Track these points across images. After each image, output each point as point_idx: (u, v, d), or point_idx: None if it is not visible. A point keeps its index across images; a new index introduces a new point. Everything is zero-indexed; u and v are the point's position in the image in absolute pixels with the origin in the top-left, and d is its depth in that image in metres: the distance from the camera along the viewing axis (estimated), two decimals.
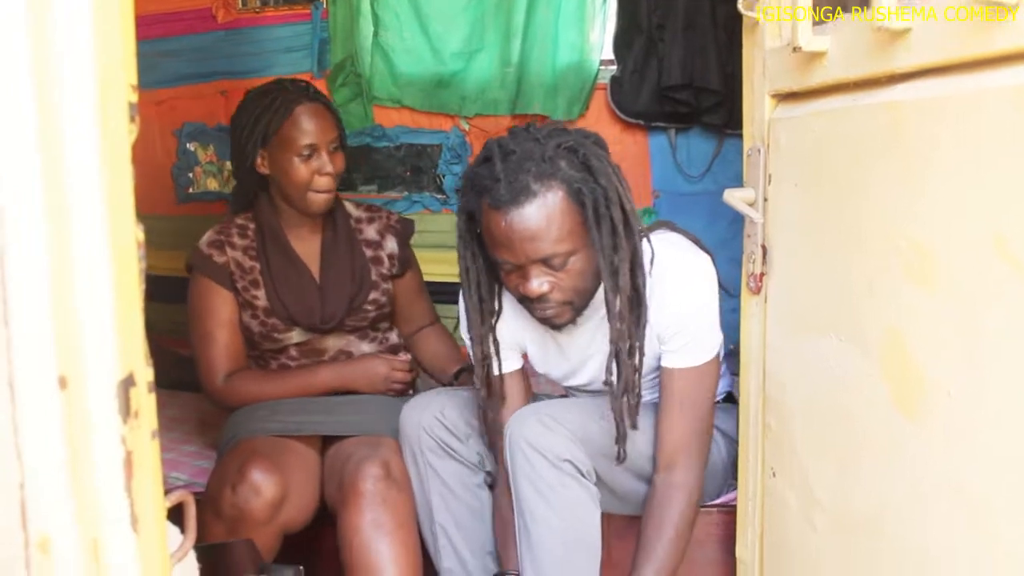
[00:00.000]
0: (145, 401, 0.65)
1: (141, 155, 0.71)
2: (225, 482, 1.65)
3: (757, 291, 1.55)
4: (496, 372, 1.72)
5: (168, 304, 2.89)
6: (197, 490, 1.90)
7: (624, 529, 1.84)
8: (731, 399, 1.89)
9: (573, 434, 1.57)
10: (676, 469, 1.64)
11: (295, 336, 1.99)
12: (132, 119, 0.68)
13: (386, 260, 2.07)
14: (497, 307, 1.69)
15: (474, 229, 1.57)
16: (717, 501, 1.86)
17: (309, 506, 1.78)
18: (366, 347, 2.05)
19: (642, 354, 1.59)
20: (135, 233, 0.66)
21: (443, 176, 2.94)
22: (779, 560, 1.57)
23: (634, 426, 1.61)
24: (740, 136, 1.59)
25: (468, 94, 2.92)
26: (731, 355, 1.84)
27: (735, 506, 1.72)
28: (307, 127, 1.89)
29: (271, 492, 1.64)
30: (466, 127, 2.95)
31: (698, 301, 1.61)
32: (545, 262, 1.50)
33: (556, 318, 1.59)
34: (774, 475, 1.54)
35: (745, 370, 1.62)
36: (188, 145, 3.04)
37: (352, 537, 1.63)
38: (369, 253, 2.05)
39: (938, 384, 1.17)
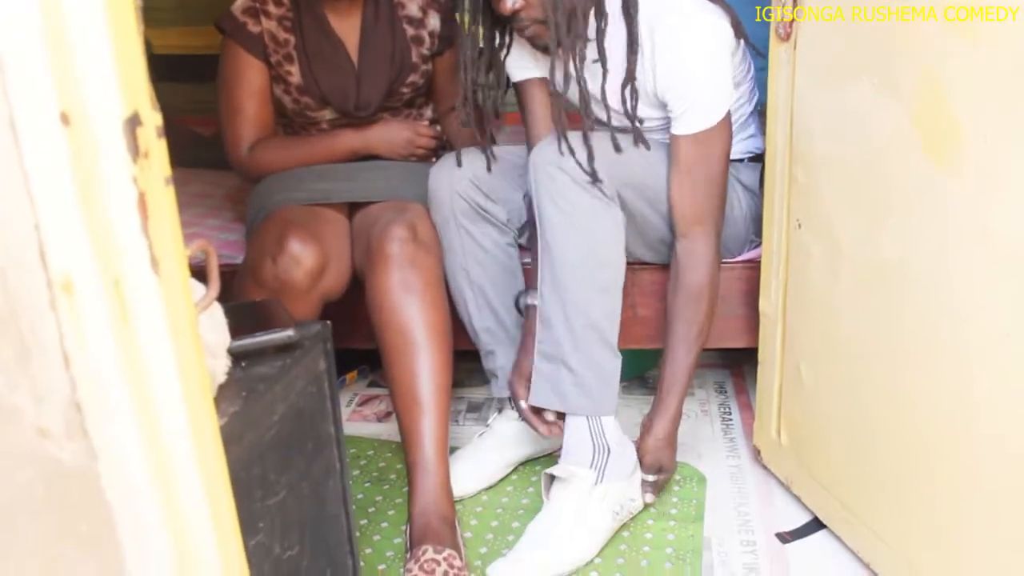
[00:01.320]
0: (155, 145, 0.63)
1: None
2: (265, 254, 1.66)
3: (787, 38, 1.48)
4: (516, 79, 1.76)
5: (183, 83, 2.84)
6: (226, 262, 1.93)
7: (651, 284, 1.86)
8: (758, 159, 1.85)
9: (599, 158, 1.56)
10: (694, 237, 1.64)
11: (327, 114, 1.94)
12: None
13: (427, 39, 1.98)
14: (508, 41, 1.69)
15: None
16: (741, 258, 1.86)
17: (346, 273, 1.80)
18: None
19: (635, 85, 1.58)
20: None
21: None
22: (802, 312, 1.59)
23: (617, 148, 1.61)
24: None
25: None
26: (761, 114, 1.79)
27: (759, 261, 1.73)
28: None
29: (311, 261, 1.65)
30: None
31: (700, 64, 1.54)
32: None
33: (537, 38, 1.58)
34: (799, 227, 1.54)
35: (772, 121, 1.58)
36: None
37: (381, 299, 1.66)
38: (410, 32, 1.96)
39: (973, 130, 1.13)
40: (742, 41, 1.62)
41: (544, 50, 1.61)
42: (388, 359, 1.66)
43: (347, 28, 1.92)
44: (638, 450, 1.69)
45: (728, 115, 1.59)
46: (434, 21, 1.98)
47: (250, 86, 1.90)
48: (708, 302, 1.65)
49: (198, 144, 2.70)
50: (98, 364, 0.61)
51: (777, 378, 1.70)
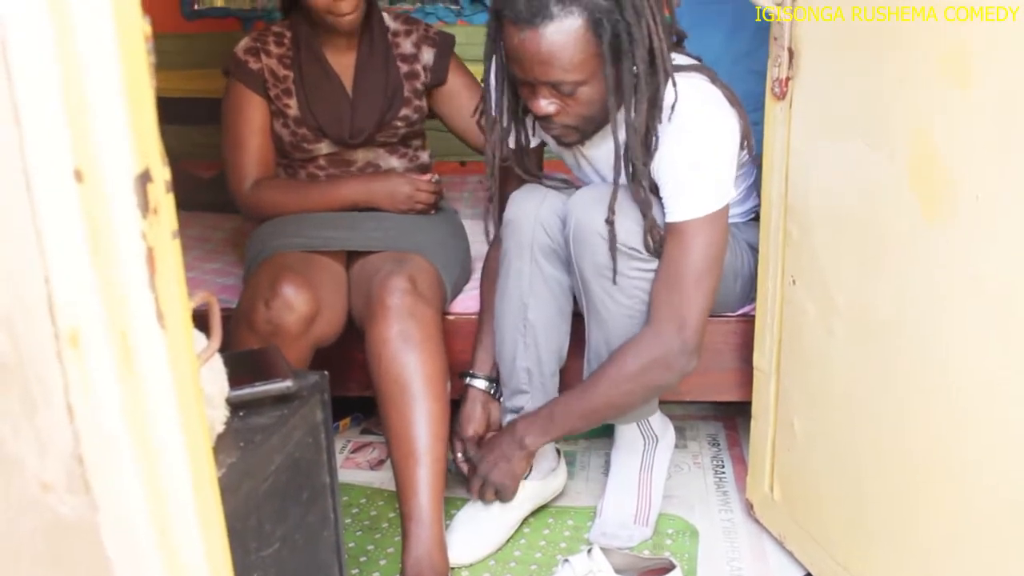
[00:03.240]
0: (164, 200, 0.64)
1: None
2: (258, 298, 1.67)
3: (782, 96, 1.51)
4: (528, 143, 1.75)
5: (185, 126, 2.87)
6: (222, 306, 1.93)
7: None
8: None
9: (637, 221, 1.57)
10: (650, 323, 1.60)
11: (324, 147, 1.98)
12: None
13: (421, 73, 2.03)
14: (520, 111, 1.68)
15: (500, 31, 1.52)
16: (737, 312, 1.87)
17: (339, 321, 1.81)
18: (395, 162, 2.04)
19: (652, 193, 1.58)
20: (141, 25, 0.64)
21: None
22: (796, 367, 1.60)
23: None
24: None
25: None
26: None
27: (753, 315, 1.74)
28: None
29: (304, 307, 1.66)
30: None
31: (696, 157, 1.53)
32: (554, 86, 1.48)
33: (562, 137, 1.60)
34: (794, 283, 1.55)
35: (767, 178, 1.59)
36: None
37: (380, 349, 1.66)
38: (404, 68, 2.01)
39: (966, 187, 1.15)
40: (745, 151, 1.63)
41: (564, 145, 1.65)
42: (385, 409, 1.66)
43: (343, 64, 1.98)
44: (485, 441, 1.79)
45: (721, 214, 1.56)
46: (428, 56, 2.03)
47: (251, 122, 1.94)
48: (615, 381, 1.61)
49: (197, 187, 2.71)
50: (102, 416, 0.61)
51: (770, 433, 1.70)
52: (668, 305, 1.57)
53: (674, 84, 1.50)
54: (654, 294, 1.59)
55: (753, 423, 1.77)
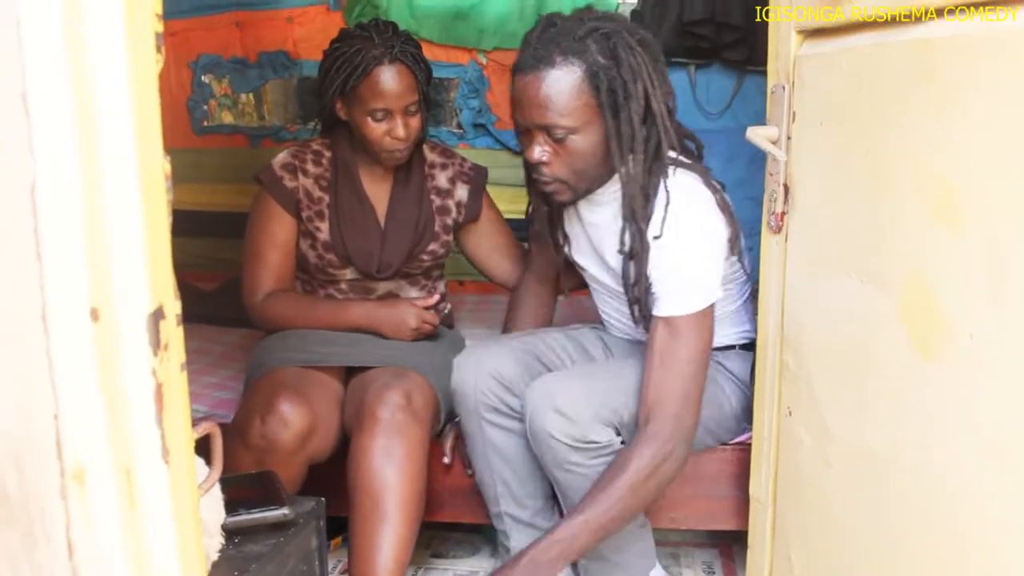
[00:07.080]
0: (174, 334, 0.66)
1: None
2: (254, 413, 1.67)
3: (778, 230, 1.54)
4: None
5: (189, 239, 2.90)
6: (221, 421, 1.93)
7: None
8: (750, 347, 1.88)
9: (597, 411, 1.60)
10: (650, 422, 1.60)
11: (348, 274, 1.99)
12: (158, 49, 0.67)
13: (453, 209, 2.06)
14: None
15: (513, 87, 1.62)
16: (733, 441, 1.87)
17: (333, 437, 1.81)
18: (414, 293, 2.06)
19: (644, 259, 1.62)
20: (163, 165, 0.66)
21: (460, 110, 2.92)
22: (792, 498, 1.59)
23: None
24: (760, 73, 1.57)
25: (486, 27, 2.89)
26: (755, 298, 1.84)
27: (750, 444, 1.73)
28: (383, 91, 1.83)
29: (299, 424, 1.66)
30: (484, 61, 2.92)
31: (687, 256, 1.60)
32: (547, 131, 1.56)
33: (554, 194, 1.65)
34: (790, 414, 1.55)
35: (764, 310, 1.61)
36: (203, 78, 3.01)
37: (361, 460, 1.66)
38: (437, 202, 2.04)
39: (959, 326, 1.16)
40: (735, 257, 1.69)
41: (556, 207, 1.71)
42: (354, 519, 1.66)
43: (378, 192, 2.00)
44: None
45: (707, 313, 1.61)
46: (462, 192, 2.06)
47: (275, 237, 1.96)
48: (628, 490, 1.57)
49: (198, 299, 2.73)
50: (101, 553, 0.61)
51: (767, 564, 1.68)
52: (663, 402, 1.59)
53: (674, 171, 1.60)
54: (647, 387, 1.61)
55: (749, 554, 1.74)
